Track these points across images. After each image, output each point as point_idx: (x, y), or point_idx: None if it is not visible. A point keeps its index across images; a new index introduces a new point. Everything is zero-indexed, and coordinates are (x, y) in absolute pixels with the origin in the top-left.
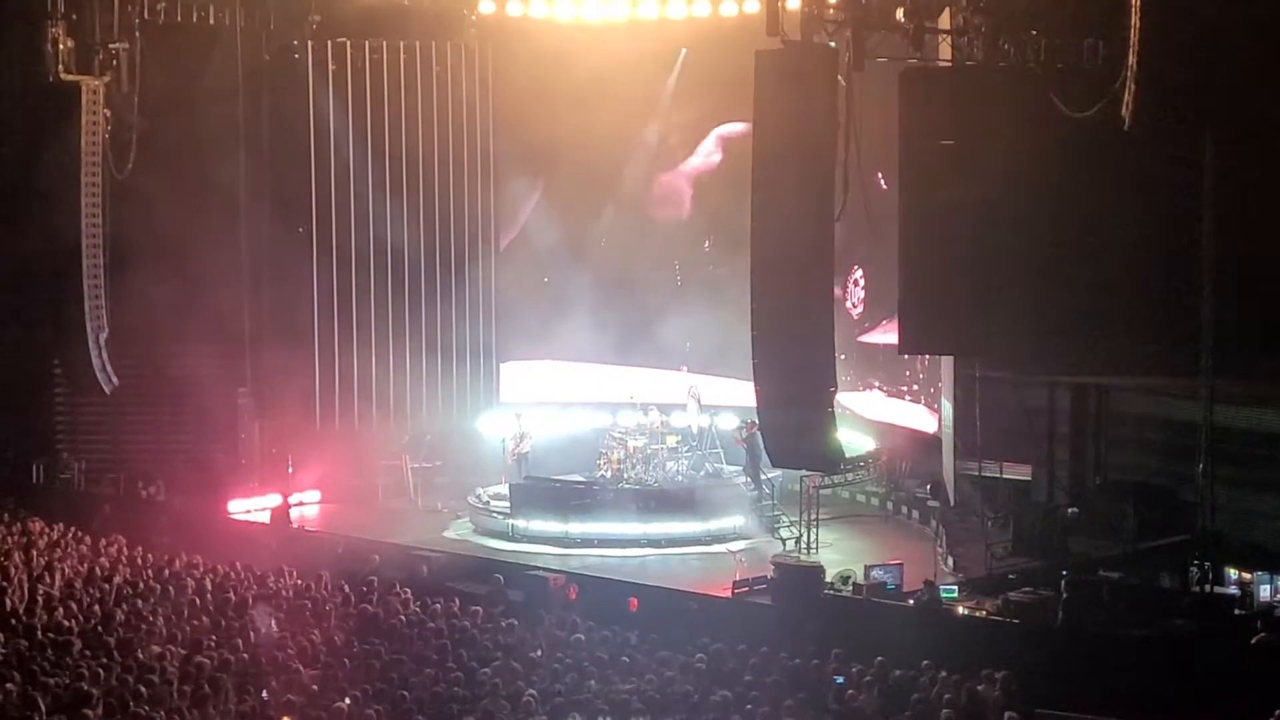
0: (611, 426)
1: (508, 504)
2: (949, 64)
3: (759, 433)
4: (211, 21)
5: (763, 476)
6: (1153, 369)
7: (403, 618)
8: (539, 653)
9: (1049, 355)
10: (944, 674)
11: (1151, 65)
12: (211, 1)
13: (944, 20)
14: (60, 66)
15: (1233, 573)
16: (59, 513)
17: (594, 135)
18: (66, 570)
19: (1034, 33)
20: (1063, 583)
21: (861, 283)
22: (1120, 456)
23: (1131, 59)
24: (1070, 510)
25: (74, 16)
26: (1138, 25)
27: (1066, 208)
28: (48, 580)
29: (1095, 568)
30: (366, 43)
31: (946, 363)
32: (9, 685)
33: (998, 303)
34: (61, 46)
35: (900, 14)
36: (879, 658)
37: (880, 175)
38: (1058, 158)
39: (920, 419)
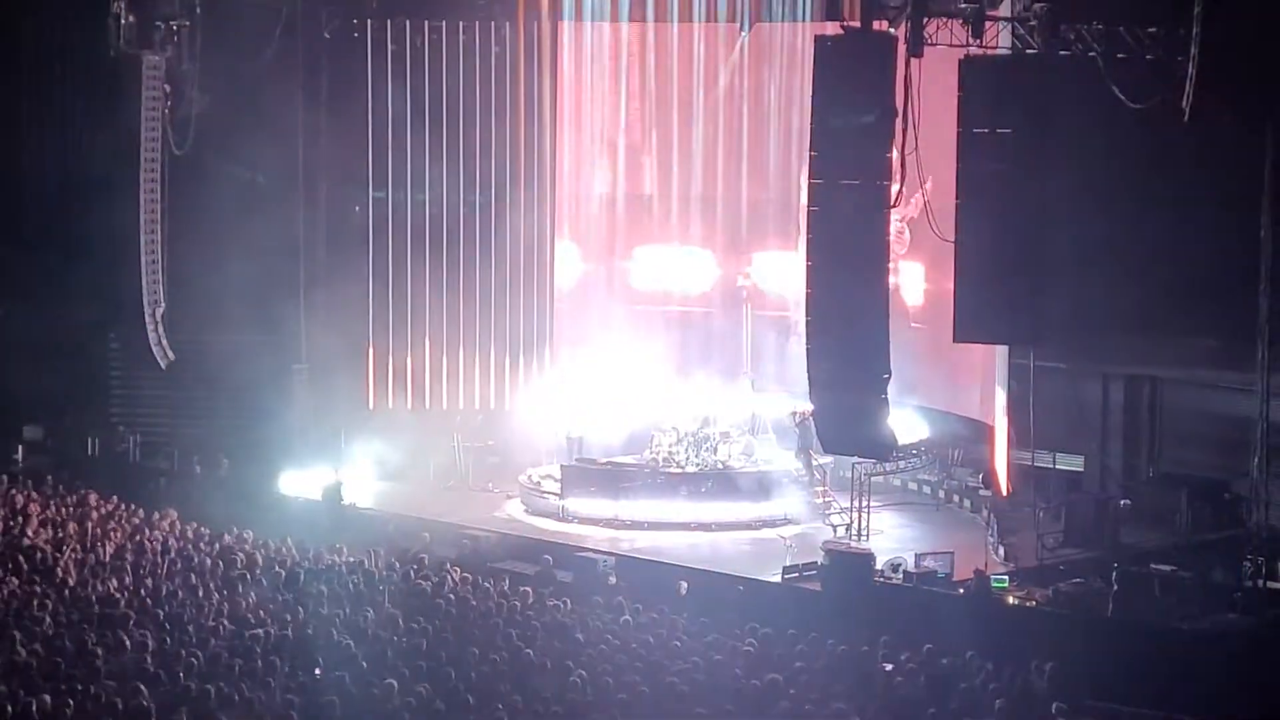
0: (663, 409)
1: (558, 485)
2: (1008, 52)
3: (811, 418)
4: None
5: (814, 462)
6: (1208, 362)
7: (452, 596)
8: (586, 634)
9: (1104, 346)
10: (992, 664)
11: (1213, 55)
12: None
13: (1004, 8)
14: (122, 42)
15: None
16: (113, 485)
17: (655, 112)
18: (119, 542)
19: (1094, 21)
20: (1114, 575)
21: None
22: (1174, 450)
23: (1193, 49)
24: (1123, 502)
25: None
26: (1199, 15)
27: (1124, 198)
28: (101, 552)
29: (1147, 560)
30: (426, 22)
31: (1001, 352)
32: (61, 656)
33: (1053, 293)
34: (123, 22)
35: (960, 1)
36: (928, 646)
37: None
38: (1116, 147)
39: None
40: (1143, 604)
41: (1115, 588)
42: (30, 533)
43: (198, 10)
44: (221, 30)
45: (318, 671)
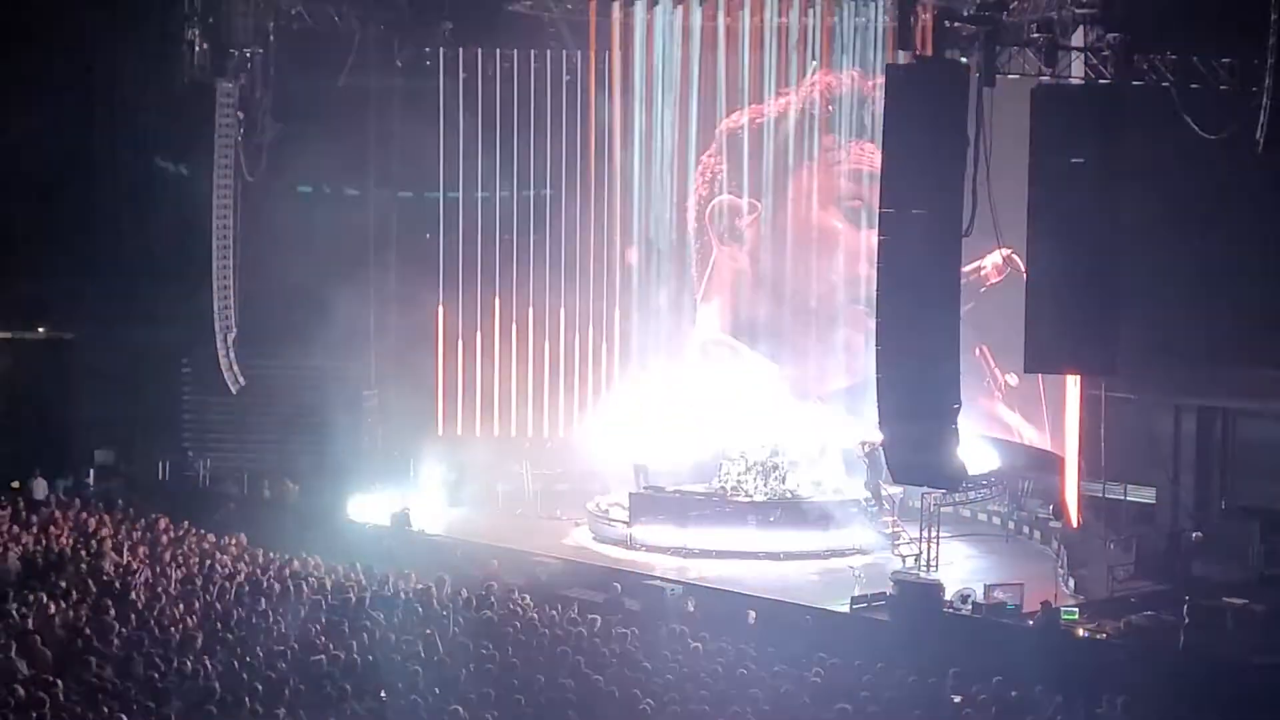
0: (732, 438)
1: (627, 513)
2: (1081, 81)
3: (881, 447)
4: (344, 28)
5: (884, 492)
6: None
7: (519, 624)
8: (654, 662)
9: (1175, 378)
10: (1062, 697)
11: None
12: (345, 7)
13: (1077, 37)
14: (195, 69)
15: None
16: (183, 509)
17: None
18: (189, 567)
19: (1168, 51)
20: (1185, 608)
21: None
22: (1246, 482)
23: (1267, 79)
24: (1194, 534)
25: (210, 20)
26: (1274, 45)
27: (1196, 229)
28: (170, 576)
29: (1219, 593)
30: (498, 50)
31: (1072, 382)
32: (129, 680)
33: (1125, 323)
34: (197, 49)
35: (1033, 30)
36: (997, 678)
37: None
38: (1189, 178)
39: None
40: (1214, 637)
41: (1187, 621)
42: (102, 556)
43: (271, 38)
44: (294, 58)
45: (383, 694)
